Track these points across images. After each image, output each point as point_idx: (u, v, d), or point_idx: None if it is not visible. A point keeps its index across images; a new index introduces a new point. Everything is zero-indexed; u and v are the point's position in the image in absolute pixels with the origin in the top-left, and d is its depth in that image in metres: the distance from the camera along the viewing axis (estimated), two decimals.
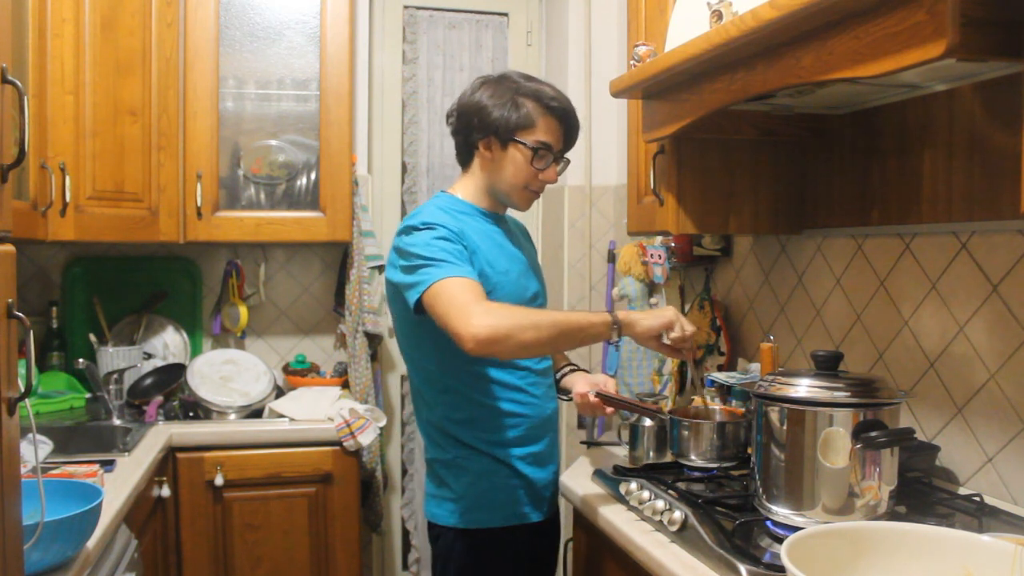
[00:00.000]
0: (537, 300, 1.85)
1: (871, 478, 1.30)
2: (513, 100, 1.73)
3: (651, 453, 1.88)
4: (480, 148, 1.77)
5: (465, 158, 1.83)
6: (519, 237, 1.92)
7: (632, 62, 1.84)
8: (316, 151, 2.81)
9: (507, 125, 1.73)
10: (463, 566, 1.76)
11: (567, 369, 1.95)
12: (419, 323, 1.68)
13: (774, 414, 1.37)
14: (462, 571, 1.76)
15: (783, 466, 1.37)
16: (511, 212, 1.90)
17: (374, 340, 2.97)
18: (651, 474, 1.73)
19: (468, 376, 1.74)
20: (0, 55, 1.08)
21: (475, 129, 1.76)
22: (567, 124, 1.78)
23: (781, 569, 1.09)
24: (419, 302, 1.60)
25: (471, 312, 1.50)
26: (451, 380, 1.74)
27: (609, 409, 1.79)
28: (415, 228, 1.67)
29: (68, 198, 2.29)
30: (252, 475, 2.50)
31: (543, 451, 1.83)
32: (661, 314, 1.64)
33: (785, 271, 2.12)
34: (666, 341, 1.65)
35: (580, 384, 1.84)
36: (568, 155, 1.83)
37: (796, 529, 1.23)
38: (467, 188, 1.82)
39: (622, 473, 1.77)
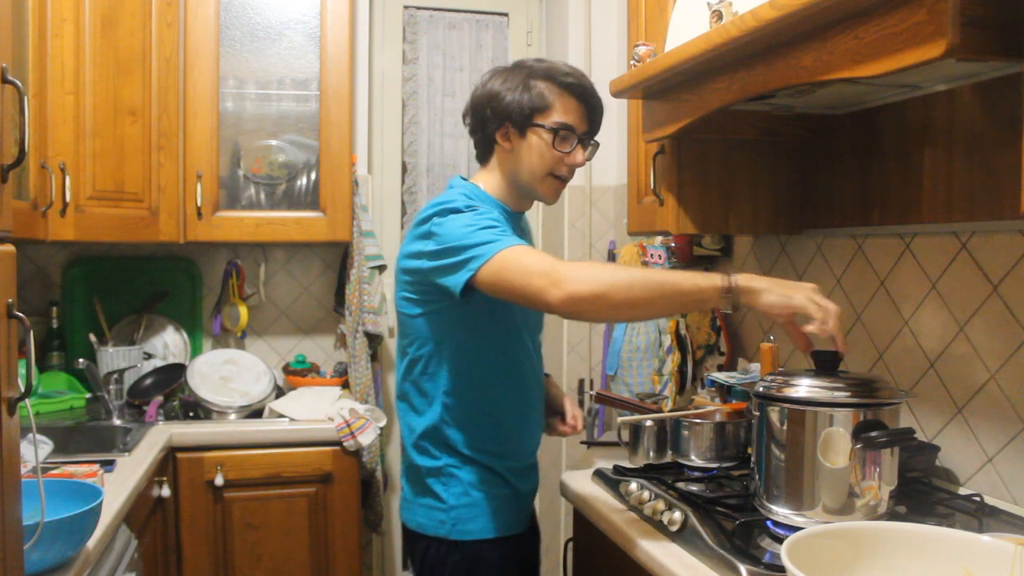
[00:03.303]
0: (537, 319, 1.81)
1: (871, 478, 1.30)
2: (525, 83, 1.63)
3: (651, 453, 1.88)
4: (498, 140, 1.66)
5: (484, 154, 1.72)
6: (531, 241, 1.87)
7: (632, 62, 1.84)
8: (316, 151, 2.81)
9: (522, 109, 1.62)
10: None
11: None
12: (444, 316, 1.61)
13: (774, 414, 1.38)
14: None
15: (783, 466, 1.37)
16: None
17: (374, 340, 2.97)
18: (651, 474, 1.74)
19: (479, 383, 1.67)
20: (0, 55, 1.08)
21: (490, 120, 1.65)
22: (587, 103, 1.65)
23: (781, 569, 1.09)
24: (472, 280, 1.45)
25: (558, 269, 1.37)
26: (460, 384, 1.65)
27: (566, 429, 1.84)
28: (455, 210, 1.53)
29: (68, 198, 2.29)
30: (252, 475, 2.50)
31: (533, 463, 1.81)
32: (790, 293, 1.34)
33: (785, 271, 2.12)
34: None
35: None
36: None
37: (796, 529, 1.23)
38: (489, 182, 1.71)
39: (622, 473, 1.78)
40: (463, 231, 1.49)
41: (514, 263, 1.42)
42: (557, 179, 1.67)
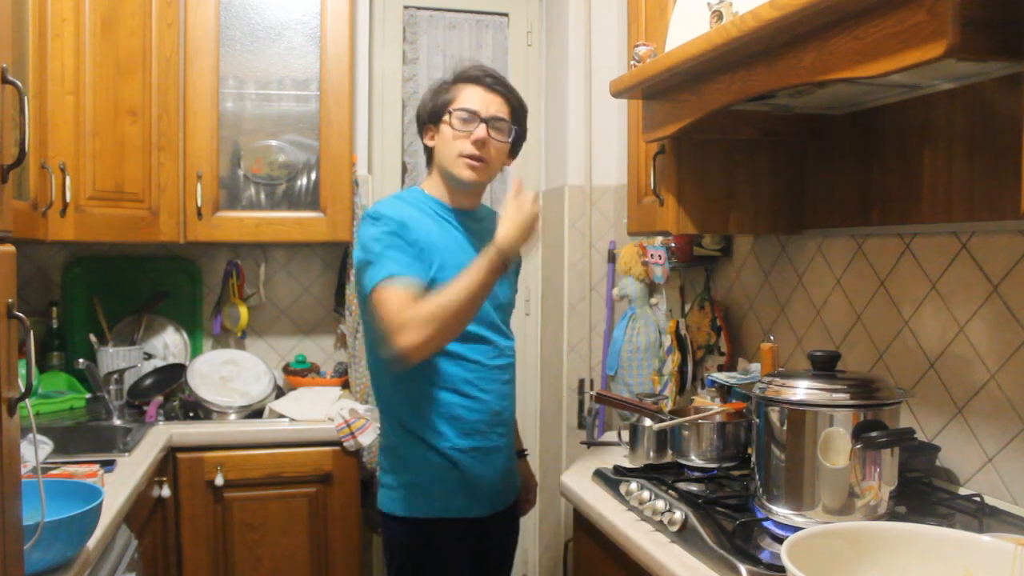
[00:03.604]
0: (498, 298, 1.85)
1: (871, 478, 1.30)
2: (439, 85, 1.86)
3: (651, 453, 1.88)
4: (426, 142, 1.88)
5: (428, 159, 1.92)
6: (486, 237, 1.87)
7: (632, 62, 1.84)
8: (316, 151, 2.81)
9: (434, 107, 1.83)
10: (406, 553, 1.80)
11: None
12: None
13: (774, 414, 1.38)
14: (405, 558, 1.80)
15: (783, 466, 1.37)
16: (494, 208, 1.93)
17: None
18: (651, 474, 1.74)
19: (417, 364, 1.73)
20: (0, 55, 1.08)
21: (420, 125, 1.90)
22: (486, 85, 1.83)
23: (781, 569, 1.09)
24: (368, 298, 1.71)
25: (400, 327, 1.61)
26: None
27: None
28: (369, 218, 1.76)
29: (68, 198, 2.29)
30: (252, 475, 2.50)
31: (487, 447, 1.83)
32: (518, 220, 1.68)
33: (785, 271, 2.12)
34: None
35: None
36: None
37: (796, 529, 1.23)
38: (431, 183, 1.89)
39: (622, 473, 1.78)
40: (371, 244, 1.72)
41: (381, 304, 1.66)
42: (468, 158, 1.81)
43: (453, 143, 1.80)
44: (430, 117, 1.85)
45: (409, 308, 1.62)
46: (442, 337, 1.65)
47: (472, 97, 1.81)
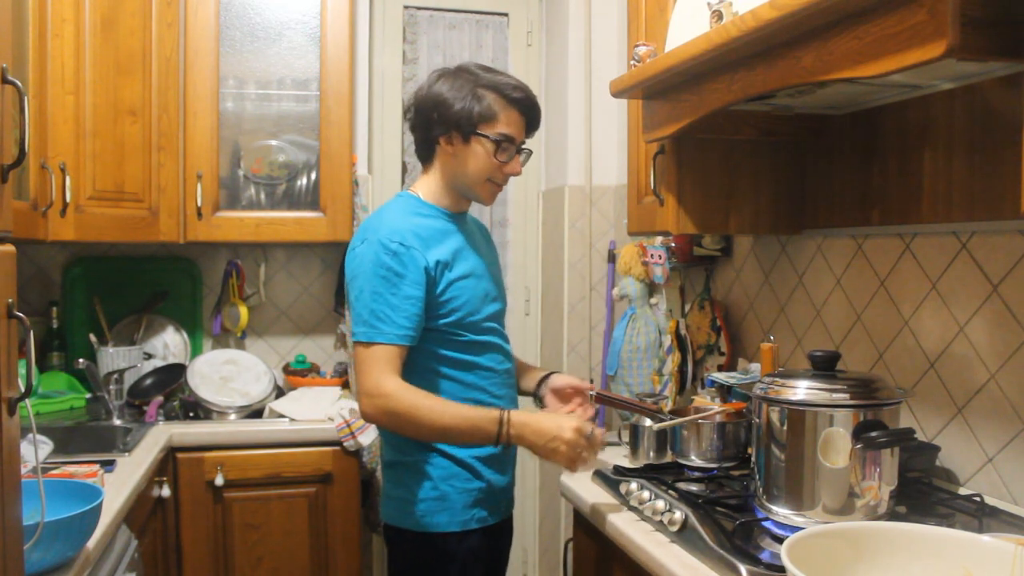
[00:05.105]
0: (496, 303, 1.82)
1: (871, 478, 1.30)
2: (474, 92, 1.69)
3: (651, 453, 1.88)
4: (441, 143, 1.74)
5: (426, 154, 1.80)
6: (478, 237, 1.88)
7: (632, 62, 1.84)
8: (316, 151, 2.81)
9: (469, 118, 1.69)
10: (421, 569, 1.75)
11: (542, 374, 1.95)
12: None
13: (774, 415, 1.38)
14: (420, 574, 1.75)
15: (783, 466, 1.37)
16: (472, 210, 1.90)
17: None
18: (651, 474, 1.74)
19: (429, 373, 1.72)
20: (0, 55, 1.08)
21: (435, 124, 1.72)
22: (529, 115, 1.75)
23: (781, 569, 1.09)
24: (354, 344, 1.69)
25: (373, 391, 1.61)
26: (412, 378, 1.68)
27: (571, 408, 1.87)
28: (385, 248, 1.65)
29: (68, 198, 2.29)
30: (252, 475, 2.50)
31: (503, 454, 1.80)
32: (550, 432, 1.60)
33: (785, 271, 2.12)
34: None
35: (556, 380, 1.91)
36: (531, 146, 1.81)
37: (796, 529, 1.23)
38: (429, 187, 1.79)
39: (622, 473, 1.78)
40: (367, 287, 1.65)
41: (364, 359, 1.63)
42: (494, 184, 1.77)
43: (485, 166, 1.72)
44: (461, 126, 1.69)
45: (394, 372, 1.61)
46: (395, 430, 1.68)
47: (513, 121, 1.72)
